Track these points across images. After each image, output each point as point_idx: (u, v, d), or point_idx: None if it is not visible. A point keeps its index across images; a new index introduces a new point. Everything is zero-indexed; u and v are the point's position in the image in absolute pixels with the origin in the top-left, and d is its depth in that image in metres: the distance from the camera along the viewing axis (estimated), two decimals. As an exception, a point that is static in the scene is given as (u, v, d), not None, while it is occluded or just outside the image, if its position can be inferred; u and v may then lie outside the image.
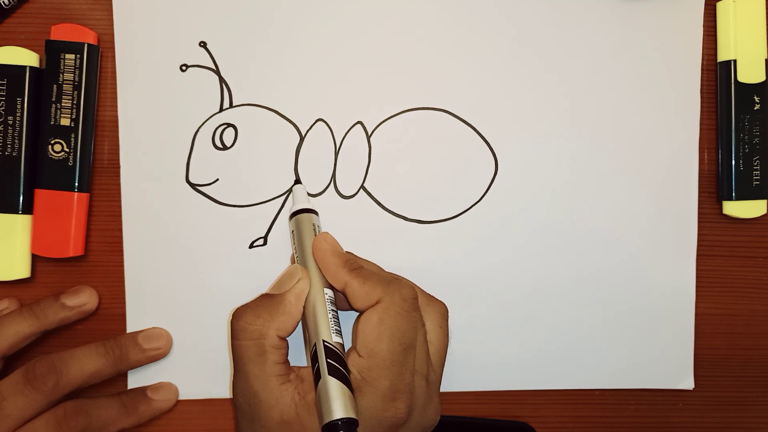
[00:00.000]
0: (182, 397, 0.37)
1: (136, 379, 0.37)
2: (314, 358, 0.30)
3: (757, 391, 0.41)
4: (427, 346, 0.32)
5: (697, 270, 0.39)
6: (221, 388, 0.38)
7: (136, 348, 0.36)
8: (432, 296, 0.34)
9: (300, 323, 0.32)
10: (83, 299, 0.36)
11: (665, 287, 0.39)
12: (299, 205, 0.35)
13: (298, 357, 0.35)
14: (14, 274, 0.36)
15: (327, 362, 0.29)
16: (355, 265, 0.32)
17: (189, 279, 0.37)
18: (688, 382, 0.39)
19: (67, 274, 0.37)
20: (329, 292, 0.32)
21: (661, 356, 0.39)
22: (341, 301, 0.33)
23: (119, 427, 0.35)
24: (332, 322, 0.31)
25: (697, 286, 0.39)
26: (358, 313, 0.32)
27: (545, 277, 0.39)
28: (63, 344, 0.37)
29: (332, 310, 0.31)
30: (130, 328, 0.37)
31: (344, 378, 0.29)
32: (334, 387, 0.28)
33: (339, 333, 0.31)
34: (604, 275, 0.39)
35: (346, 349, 0.31)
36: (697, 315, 0.39)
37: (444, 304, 0.34)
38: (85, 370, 0.34)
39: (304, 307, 0.31)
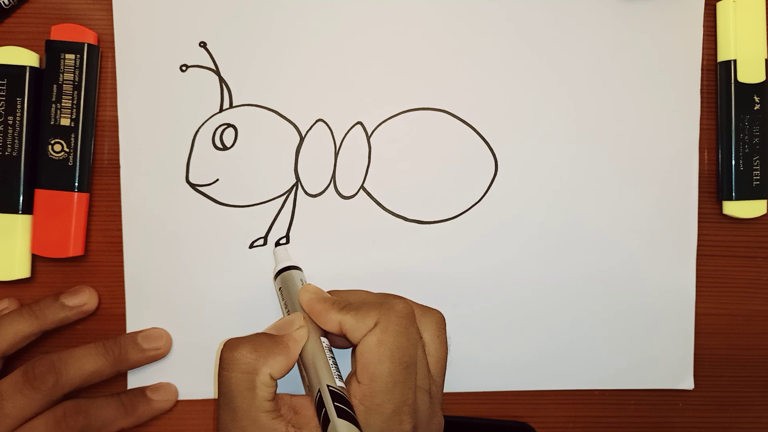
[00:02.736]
0: (182, 397, 0.37)
1: (135, 379, 0.37)
2: (320, 404, 0.29)
3: (757, 391, 0.41)
4: (427, 359, 0.31)
5: (697, 270, 0.39)
6: (221, 388, 0.38)
7: (135, 348, 0.36)
8: (426, 306, 0.33)
9: (290, 371, 0.31)
10: (83, 299, 0.36)
11: (665, 287, 0.39)
12: (282, 263, 0.36)
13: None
14: (14, 274, 0.36)
15: (335, 405, 0.29)
16: (344, 303, 0.31)
17: (189, 279, 0.37)
18: (688, 382, 0.39)
19: (67, 274, 0.37)
20: (326, 341, 0.32)
21: (661, 356, 0.39)
22: (337, 340, 0.33)
23: (118, 427, 0.35)
24: (333, 368, 0.31)
25: (697, 286, 0.39)
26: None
27: (545, 277, 0.39)
28: (63, 344, 0.37)
29: (331, 357, 0.31)
30: (130, 328, 0.37)
31: (352, 419, 0.29)
32: (344, 429, 0.28)
33: (341, 378, 0.30)
34: (604, 275, 0.39)
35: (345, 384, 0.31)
36: (697, 315, 0.39)
37: (440, 312, 0.33)
38: (84, 370, 0.34)
39: (303, 356, 0.31)
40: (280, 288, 0.35)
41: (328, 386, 0.29)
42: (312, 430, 0.29)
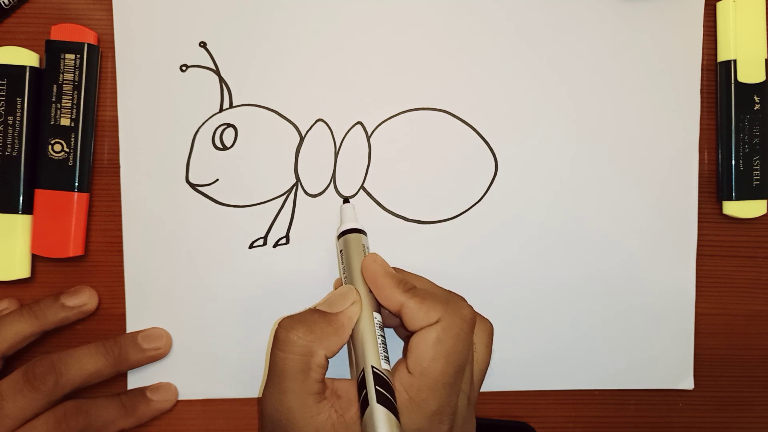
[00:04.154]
0: (182, 397, 0.37)
1: (135, 380, 0.37)
2: (361, 384, 0.29)
3: (757, 391, 0.41)
4: (473, 366, 0.31)
5: (697, 270, 0.39)
6: (221, 389, 0.38)
7: (135, 348, 0.36)
8: (480, 314, 0.33)
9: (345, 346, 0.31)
10: (83, 299, 0.36)
11: (665, 287, 0.39)
12: (348, 224, 0.35)
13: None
14: (14, 274, 0.36)
15: (376, 389, 0.29)
16: (409, 285, 0.31)
17: (189, 279, 0.37)
18: (688, 382, 0.39)
19: (67, 274, 0.37)
20: (378, 317, 0.31)
21: (661, 356, 0.39)
22: (387, 318, 0.33)
23: (119, 427, 0.35)
24: (381, 348, 0.30)
25: (697, 286, 0.39)
26: (407, 332, 0.31)
27: (545, 277, 0.39)
28: (63, 344, 0.37)
29: (381, 335, 0.31)
30: (130, 328, 0.37)
31: (392, 406, 0.28)
32: (381, 416, 0.28)
33: (387, 359, 0.30)
34: (604, 275, 0.39)
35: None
36: (697, 315, 0.39)
37: (490, 322, 0.33)
38: (84, 370, 0.34)
39: (353, 331, 0.31)
40: (341, 250, 0.34)
41: (372, 368, 0.29)
42: (353, 416, 0.29)
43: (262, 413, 0.31)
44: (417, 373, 0.29)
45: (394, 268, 0.33)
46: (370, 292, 0.32)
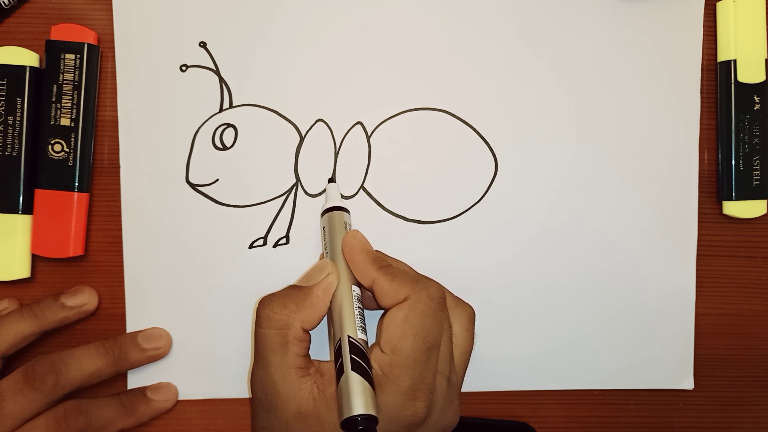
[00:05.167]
0: (182, 397, 0.37)
1: (135, 379, 0.37)
2: (338, 353, 0.30)
3: (757, 391, 0.41)
4: (452, 348, 0.32)
5: (697, 270, 0.39)
6: (221, 389, 0.38)
7: (135, 348, 0.36)
8: (460, 298, 0.34)
9: (325, 318, 0.32)
10: (83, 299, 0.36)
11: (665, 287, 0.39)
12: (332, 202, 0.36)
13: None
14: (14, 274, 0.36)
15: (351, 358, 0.29)
16: (384, 262, 0.32)
17: (189, 279, 0.37)
18: (688, 382, 0.39)
19: (67, 274, 0.37)
20: (356, 290, 0.32)
21: (661, 356, 0.39)
22: (368, 301, 0.33)
23: (119, 427, 0.35)
24: (358, 319, 0.31)
25: (697, 286, 0.39)
26: (383, 312, 0.32)
27: (545, 277, 0.39)
28: (63, 344, 0.37)
29: (358, 307, 0.31)
30: (130, 328, 0.37)
31: (367, 374, 0.29)
32: (356, 383, 0.28)
33: (364, 330, 0.31)
34: (604, 275, 0.39)
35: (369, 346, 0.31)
36: (697, 315, 0.39)
37: (471, 307, 0.34)
38: (84, 370, 0.34)
39: (330, 302, 0.31)
40: (324, 227, 0.35)
41: (348, 337, 0.30)
42: (333, 393, 0.30)
43: (252, 394, 0.31)
44: (389, 351, 0.30)
45: (377, 251, 0.34)
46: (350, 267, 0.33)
